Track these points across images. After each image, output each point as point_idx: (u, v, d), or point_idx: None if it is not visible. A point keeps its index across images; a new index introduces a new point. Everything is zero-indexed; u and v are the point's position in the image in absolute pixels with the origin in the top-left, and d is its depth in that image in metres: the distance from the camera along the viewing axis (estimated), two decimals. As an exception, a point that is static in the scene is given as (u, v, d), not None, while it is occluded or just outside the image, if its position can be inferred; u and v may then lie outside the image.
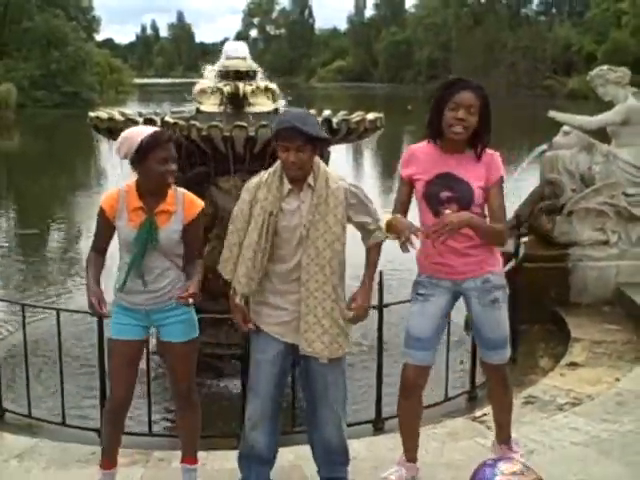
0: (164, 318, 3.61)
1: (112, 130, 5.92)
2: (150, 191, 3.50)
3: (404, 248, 3.36)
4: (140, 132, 3.49)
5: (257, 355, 3.57)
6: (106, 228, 3.59)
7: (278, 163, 3.45)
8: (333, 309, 3.43)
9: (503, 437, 3.96)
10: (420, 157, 3.63)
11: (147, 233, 3.46)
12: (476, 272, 3.60)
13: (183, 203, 3.55)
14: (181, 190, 3.61)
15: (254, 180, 3.50)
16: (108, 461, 3.75)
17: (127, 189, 3.54)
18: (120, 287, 3.57)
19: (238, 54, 6.54)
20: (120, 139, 3.52)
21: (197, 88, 6.46)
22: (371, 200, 3.55)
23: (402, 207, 3.67)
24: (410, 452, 3.88)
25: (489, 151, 3.59)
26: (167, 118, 5.73)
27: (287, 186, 3.41)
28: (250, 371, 3.62)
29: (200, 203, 3.62)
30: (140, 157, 3.44)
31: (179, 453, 3.91)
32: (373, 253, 3.58)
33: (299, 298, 3.43)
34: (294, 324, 3.47)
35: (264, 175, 3.49)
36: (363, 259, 3.61)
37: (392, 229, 3.44)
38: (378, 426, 4.96)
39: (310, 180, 3.41)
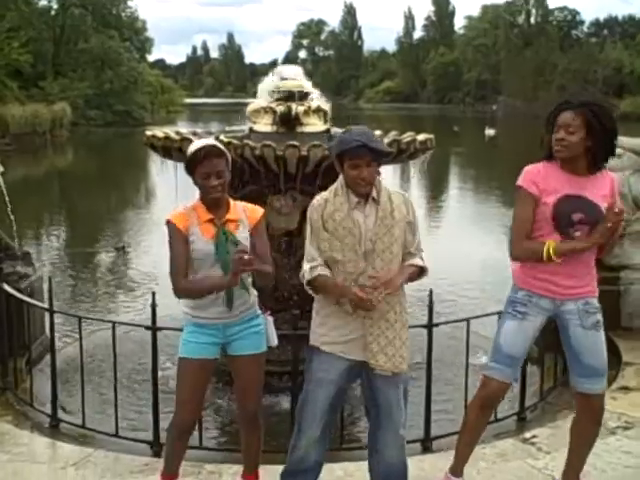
0: (240, 331, 3.67)
1: (167, 149, 6.05)
2: (212, 204, 3.58)
3: None
4: (194, 146, 3.60)
5: (319, 374, 3.56)
6: (183, 243, 3.54)
7: (338, 182, 3.53)
8: (396, 321, 3.48)
9: (573, 475, 3.85)
10: (546, 175, 3.57)
11: (226, 240, 3.52)
12: (579, 293, 3.59)
13: (245, 211, 3.65)
14: (238, 202, 3.71)
15: (317, 200, 3.55)
16: (170, 474, 3.81)
17: (194, 206, 3.62)
18: (228, 303, 3.57)
19: (291, 75, 6.65)
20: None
21: (250, 108, 6.57)
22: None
23: (529, 225, 3.57)
24: (459, 466, 3.87)
25: (610, 174, 3.60)
26: (221, 137, 5.84)
27: (354, 200, 3.48)
28: (306, 391, 3.62)
29: (260, 209, 3.72)
30: (189, 171, 3.58)
31: (230, 466, 3.97)
32: (413, 269, 3.56)
33: (362, 313, 3.46)
34: (358, 340, 3.49)
35: (325, 194, 3.55)
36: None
37: (560, 253, 3.47)
38: (426, 445, 4.95)
39: (374, 194, 3.50)
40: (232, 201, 3.67)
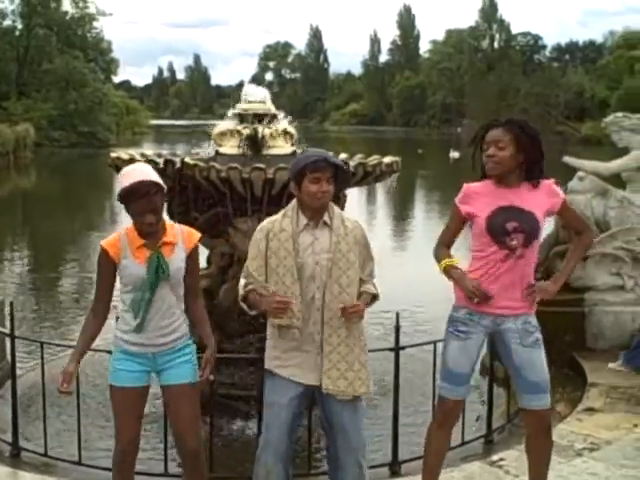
0: (170, 360, 3.61)
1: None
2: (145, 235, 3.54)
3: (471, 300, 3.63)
4: (127, 177, 3.45)
5: (272, 398, 3.56)
6: (110, 270, 3.54)
7: (290, 204, 3.57)
8: (355, 345, 3.47)
9: None
10: (479, 193, 3.70)
11: (157, 265, 3.48)
12: (517, 313, 3.65)
13: (182, 234, 3.62)
14: (177, 224, 3.70)
15: (264, 222, 3.59)
16: None
17: (126, 231, 3.58)
18: (138, 326, 3.53)
19: (257, 97, 6.64)
20: (118, 177, 3.56)
21: (216, 130, 6.55)
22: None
23: (449, 242, 3.83)
24: None
25: (546, 181, 3.68)
26: (187, 159, 5.81)
27: (303, 222, 3.49)
28: (264, 414, 3.62)
29: (197, 233, 3.69)
30: (123, 203, 3.49)
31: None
32: (366, 296, 3.59)
33: (320, 337, 3.46)
34: (311, 364, 3.48)
35: (274, 217, 3.59)
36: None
37: (448, 275, 3.72)
38: (394, 469, 4.93)
39: (326, 218, 3.51)
40: (169, 222, 3.65)
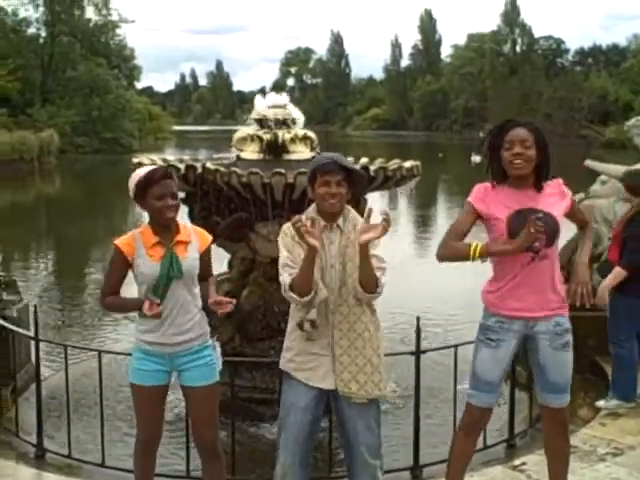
0: (187, 362, 3.66)
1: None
2: (161, 227, 3.61)
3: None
4: (140, 172, 3.62)
5: (289, 401, 3.56)
6: (122, 268, 3.63)
7: (312, 206, 3.58)
8: (365, 347, 3.47)
9: None
10: (494, 195, 3.64)
11: (170, 264, 3.54)
12: (548, 314, 3.63)
13: (195, 234, 3.69)
14: (189, 225, 3.78)
15: (287, 225, 3.57)
16: None
17: (141, 230, 3.66)
18: (153, 324, 3.59)
19: (278, 102, 6.68)
20: (130, 181, 3.65)
21: (237, 136, 6.59)
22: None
23: (461, 236, 3.63)
24: None
25: (551, 182, 3.67)
26: (208, 164, 5.86)
27: (321, 224, 3.49)
28: (281, 417, 3.62)
29: (209, 235, 3.77)
30: (140, 195, 3.58)
31: (217, 495, 3.92)
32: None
33: (331, 341, 3.47)
34: (324, 368, 3.49)
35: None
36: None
37: (488, 254, 3.54)
38: (415, 473, 4.93)
39: (340, 222, 3.52)
40: (182, 223, 3.72)
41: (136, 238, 3.63)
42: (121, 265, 3.64)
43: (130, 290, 3.79)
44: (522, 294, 3.60)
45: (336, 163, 3.46)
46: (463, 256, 3.56)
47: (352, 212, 3.59)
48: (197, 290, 3.69)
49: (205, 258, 3.71)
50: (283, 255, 3.51)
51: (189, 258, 3.61)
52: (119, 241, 3.65)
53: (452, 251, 3.63)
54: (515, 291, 3.61)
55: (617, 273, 5.46)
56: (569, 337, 3.70)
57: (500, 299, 3.66)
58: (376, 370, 3.51)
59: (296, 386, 3.55)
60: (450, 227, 3.70)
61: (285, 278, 3.44)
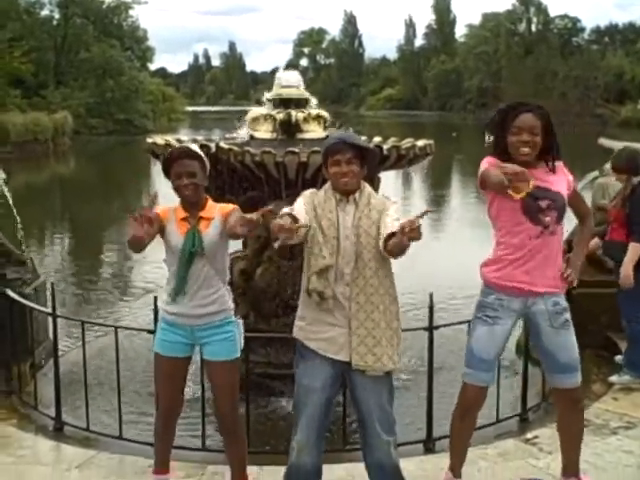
0: (209, 336, 3.73)
1: (166, 156, 6.10)
2: (188, 204, 3.72)
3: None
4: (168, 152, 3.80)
5: (305, 380, 3.59)
6: (157, 220, 3.64)
7: (326, 185, 3.61)
8: (381, 320, 3.50)
9: (573, 470, 3.92)
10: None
11: (192, 239, 3.63)
12: (547, 292, 3.68)
13: (218, 210, 3.75)
14: (216, 204, 3.82)
15: (307, 191, 3.65)
16: (160, 467, 3.89)
17: (175, 206, 3.78)
18: (173, 295, 3.68)
19: (291, 82, 6.69)
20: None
21: (250, 115, 6.61)
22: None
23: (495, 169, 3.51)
24: (457, 469, 3.95)
25: (558, 163, 3.72)
26: (222, 144, 5.89)
27: (337, 197, 3.54)
28: (296, 398, 3.64)
29: (230, 205, 3.83)
30: (167, 173, 3.73)
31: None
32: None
33: (347, 313, 3.50)
34: (339, 339, 3.52)
35: (315, 190, 3.66)
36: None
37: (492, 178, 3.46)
38: (428, 446, 4.98)
39: (356, 195, 3.56)
40: (210, 202, 3.79)
41: (170, 209, 3.76)
42: (157, 220, 3.64)
43: (158, 254, 3.90)
44: (527, 267, 3.65)
45: (345, 142, 3.50)
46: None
47: (367, 187, 3.63)
48: (221, 265, 3.77)
49: (231, 214, 3.67)
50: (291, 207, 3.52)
51: (211, 234, 3.68)
52: (157, 208, 3.75)
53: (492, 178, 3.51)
54: (520, 263, 3.65)
55: (634, 249, 5.48)
56: (568, 315, 3.74)
57: (502, 272, 3.69)
58: (389, 344, 3.54)
59: (311, 364, 3.56)
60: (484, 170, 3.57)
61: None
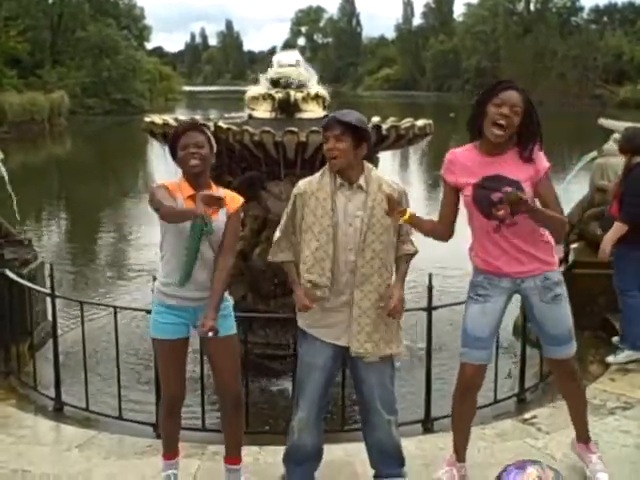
0: None
1: (166, 135, 6.06)
2: (194, 182, 3.62)
3: None
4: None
5: (306, 359, 3.62)
6: (169, 196, 3.55)
7: (323, 169, 3.60)
8: (384, 309, 3.52)
9: (582, 437, 3.96)
10: (463, 161, 3.65)
11: (202, 218, 3.51)
12: (535, 271, 3.65)
13: (226, 197, 3.64)
14: (221, 188, 3.76)
15: (302, 181, 3.64)
16: (169, 452, 3.88)
17: (179, 182, 3.67)
18: (183, 279, 3.59)
19: (290, 61, 6.66)
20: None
21: (249, 95, 6.58)
22: None
23: (449, 211, 3.72)
24: (460, 452, 3.93)
25: (544, 160, 3.61)
26: (220, 123, 5.86)
27: (338, 181, 3.52)
28: (298, 374, 3.68)
29: (240, 198, 3.76)
30: (173, 149, 3.67)
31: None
32: (403, 264, 3.66)
33: (349, 300, 3.51)
34: (340, 325, 3.54)
35: (314, 176, 3.63)
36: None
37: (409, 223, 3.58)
38: (427, 426, 5.01)
39: (362, 182, 3.51)
40: (214, 186, 3.71)
41: (175, 184, 3.65)
42: (168, 195, 3.56)
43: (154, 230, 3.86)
44: (501, 261, 3.63)
45: (334, 118, 3.48)
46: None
47: (374, 171, 3.60)
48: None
49: (231, 221, 3.66)
50: (284, 216, 3.64)
51: (218, 220, 3.60)
52: (162, 183, 3.68)
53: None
54: (494, 256, 3.63)
55: (617, 227, 5.58)
56: (560, 290, 3.70)
57: (485, 260, 3.69)
58: (388, 328, 3.56)
59: (312, 344, 3.59)
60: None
61: (275, 238, 3.68)
